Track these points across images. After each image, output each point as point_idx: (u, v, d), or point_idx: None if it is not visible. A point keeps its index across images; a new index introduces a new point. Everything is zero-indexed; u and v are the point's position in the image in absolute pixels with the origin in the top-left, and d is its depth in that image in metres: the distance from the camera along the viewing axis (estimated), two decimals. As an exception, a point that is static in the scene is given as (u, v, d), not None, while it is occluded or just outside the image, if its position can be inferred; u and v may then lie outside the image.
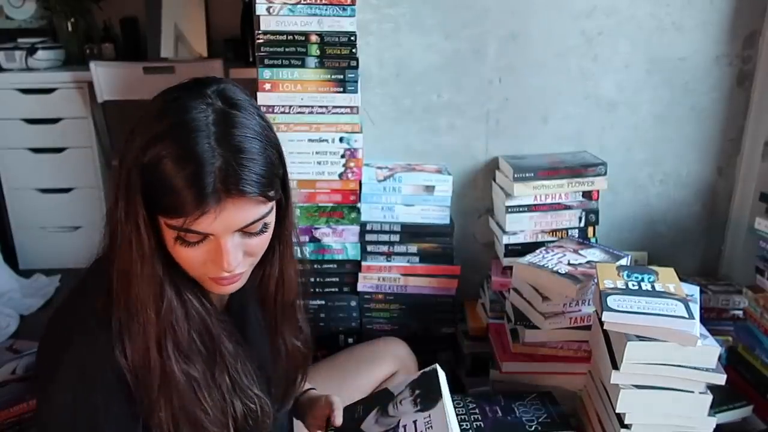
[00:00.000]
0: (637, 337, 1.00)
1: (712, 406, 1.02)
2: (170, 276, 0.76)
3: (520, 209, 1.49)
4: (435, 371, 0.95)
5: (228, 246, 0.73)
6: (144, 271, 0.73)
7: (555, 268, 1.28)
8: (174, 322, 0.76)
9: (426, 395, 0.93)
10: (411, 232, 1.50)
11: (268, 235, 0.78)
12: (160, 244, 0.74)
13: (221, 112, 0.72)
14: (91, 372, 0.72)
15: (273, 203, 0.77)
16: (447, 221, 1.52)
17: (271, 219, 0.78)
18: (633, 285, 1.09)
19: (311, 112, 1.41)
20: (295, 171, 1.39)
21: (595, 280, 1.17)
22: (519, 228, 1.50)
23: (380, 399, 0.99)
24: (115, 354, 0.72)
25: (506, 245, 1.50)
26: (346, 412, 0.97)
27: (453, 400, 1.21)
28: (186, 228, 0.70)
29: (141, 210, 0.71)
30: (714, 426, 1.04)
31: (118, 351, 0.73)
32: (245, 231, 0.74)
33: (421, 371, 0.99)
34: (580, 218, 1.52)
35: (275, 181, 0.75)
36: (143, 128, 0.71)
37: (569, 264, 1.31)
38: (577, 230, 1.53)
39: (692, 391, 1.01)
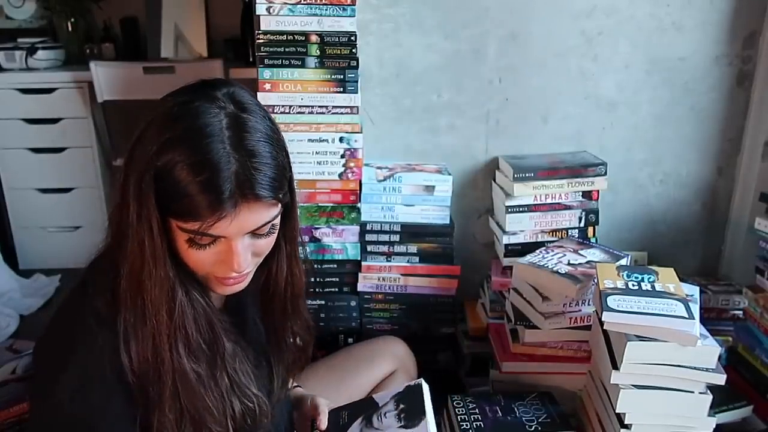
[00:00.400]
0: (637, 337, 1.00)
1: (712, 406, 1.02)
2: (179, 277, 0.77)
3: (520, 209, 1.49)
4: (420, 387, 0.95)
5: (239, 248, 0.74)
6: (157, 273, 0.73)
7: (555, 268, 1.28)
8: (185, 323, 0.77)
9: (410, 411, 0.93)
10: (411, 232, 1.50)
11: (275, 235, 0.80)
12: (169, 246, 0.74)
13: (234, 116, 0.73)
14: (92, 372, 0.72)
15: (282, 204, 0.77)
16: (447, 221, 1.52)
17: (278, 220, 0.79)
18: (633, 285, 1.09)
19: (311, 112, 1.41)
20: (295, 171, 1.37)
21: (595, 280, 1.17)
22: (519, 228, 1.50)
23: (365, 408, 0.99)
24: (118, 355, 0.72)
25: (506, 245, 1.50)
26: (331, 415, 0.98)
27: (453, 400, 1.22)
28: (201, 232, 0.71)
29: (154, 213, 0.71)
30: (714, 426, 1.03)
31: (123, 352, 0.73)
32: (255, 232, 0.76)
33: (406, 384, 0.99)
34: (580, 218, 1.52)
35: (285, 183, 0.77)
36: (155, 132, 0.71)
37: (569, 264, 1.31)
38: (577, 230, 1.53)
39: (692, 391, 1.01)
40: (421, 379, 0.97)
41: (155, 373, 0.74)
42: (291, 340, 0.97)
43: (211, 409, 0.78)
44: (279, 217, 0.78)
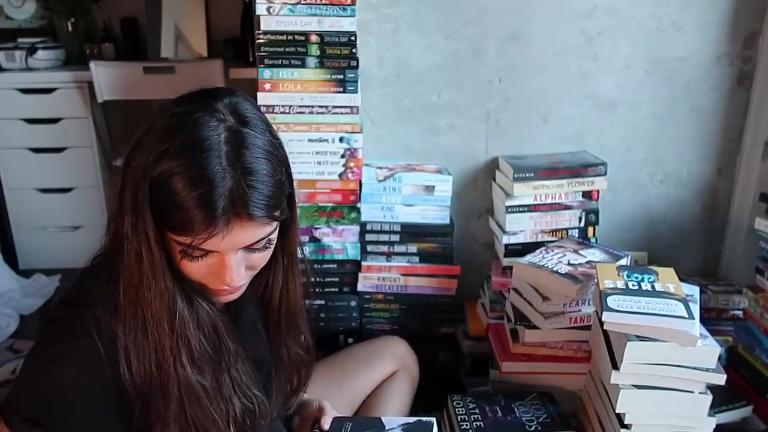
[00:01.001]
0: (637, 337, 1.00)
1: (712, 406, 1.02)
2: (180, 286, 0.76)
3: (520, 209, 1.49)
4: (431, 424, 0.96)
5: (231, 262, 0.74)
6: (156, 286, 0.73)
7: (555, 268, 1.28)
8: (187, 333, 0.76)
9: None
10: (411, 232, 1.50)
11: (271, 249, 0.79)
12: (167, 256, 0.74)
13: (233, 130, 0.72)
14: (84, 385, 0.72)
15: (278, 222, 0.77)
16: (447, 221, 1.52)
17: (275, 234, 0.78)
18: (633, 285, 1.09)
19: (311, 112, 1.41)
20: (295, 171, 1.37)
21: (595, 280, 1.17)
22: (519, 228, 1.50)
23: (370, 425, 0.99)
24: (117, 368, 0.72)
25: (506, 245, 1.50)
26: (334, 422, 0.98)
27: (453, 400, 1.22)
28: (193, 245, 0.71)
29: (150, 223, 0.70)
30: (714, 426, 1.03)
31: (123, 366, 0.72)
32: (250, 247, 0.75)
33: (417, 418, 0.99)
34: (580, 218, 1.52)
35: (282, 200, 0.76)
36: (153, 141, 0.70)
37: (569, 264, 1.31)
38: (577, 230, 1.53)
39: (692, 391, 1.01)
40: (434, 418, 0.97)
41: (160, 385, 0.74)
42: (288, 355, 0.96)
43: (215, 421, 0.77)
44: (276, 231, 0.77)
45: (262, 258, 0.79)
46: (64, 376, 0.72)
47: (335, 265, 1.51)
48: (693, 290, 1.12)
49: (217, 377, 0.80)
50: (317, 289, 1.51)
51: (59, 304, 0.79)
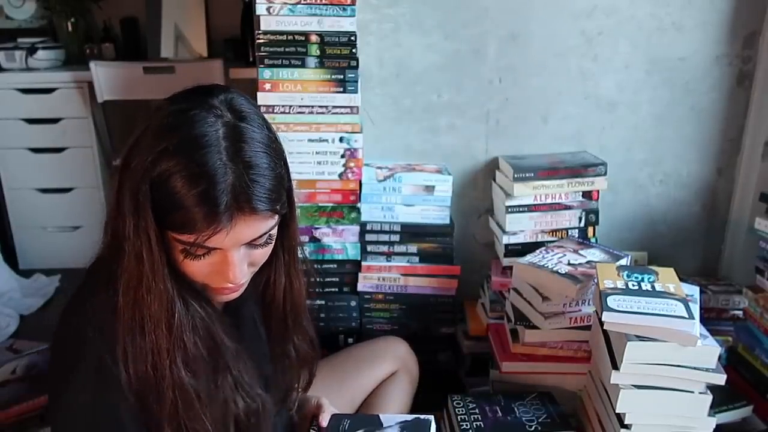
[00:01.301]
0: (637, 337, 1.00)
1: (712, 406, 1.02)
2: (178, 288, 0.76)
3: (520, 209, 1.49)
4: (429, 422, 0.96)
5: (234, 259, 0.73)
6: (156, 287, 0.72)
7: (555, 268, 1.28)
8: (184, 336, 0.75)
9: None
10: (411, 232, 1.50)
11: (272, 245, 0.79)
12: (167, 257, 0.74)
13: (231, 125, 0.71)
14: (99, 392, 0.72)
15: (279, 216, 0.77)
16: (447, 221, 1.52)
17: (275, 230, 0.78)
18: (633, 285, 1.09)
19: (311, 112, 1.41)
20: (295, 171, 1.39)
21: (595, 280, 1.17)
22: (519, 228, 1.50)
23: (368, 423, 0.99)
24: (120, 371, 0.72)
25: (506, 245, 1.50)
26: (332, 419, 0.98)
27: (453, 400, 1.22)
28: (197, 243, 0.70)
29: (152, 224, 0.70)
30: (714, 426, 1.03)
31: (122, 368, 0.72)
32: (252, 243, 0.75)
33: (415, 415, 0.98)
34: (580, 218, 1.52)
35: (283, 193, 0.76)
36: (151, 140, 0.70)
37: (569, 264, 1.31)
38: (577, 230, 1.53)
39: (692, 391, 1.01)
40: (432, 416, 0.97)
41: (155, 387, 0.73)
42: (294, 352, 0.96)
43: (205, 425, 0.77)
44: (276, 227, 0.77)
45: (263, 254, 0.79)
46: (83, 411, 0.72)
47: (335, 265, 1.51)
48: (693, 290, 1.12)
49: (213, 380, 0.79)
50: (317, 289, 1.50)
51: (62, 323, 0.78)
